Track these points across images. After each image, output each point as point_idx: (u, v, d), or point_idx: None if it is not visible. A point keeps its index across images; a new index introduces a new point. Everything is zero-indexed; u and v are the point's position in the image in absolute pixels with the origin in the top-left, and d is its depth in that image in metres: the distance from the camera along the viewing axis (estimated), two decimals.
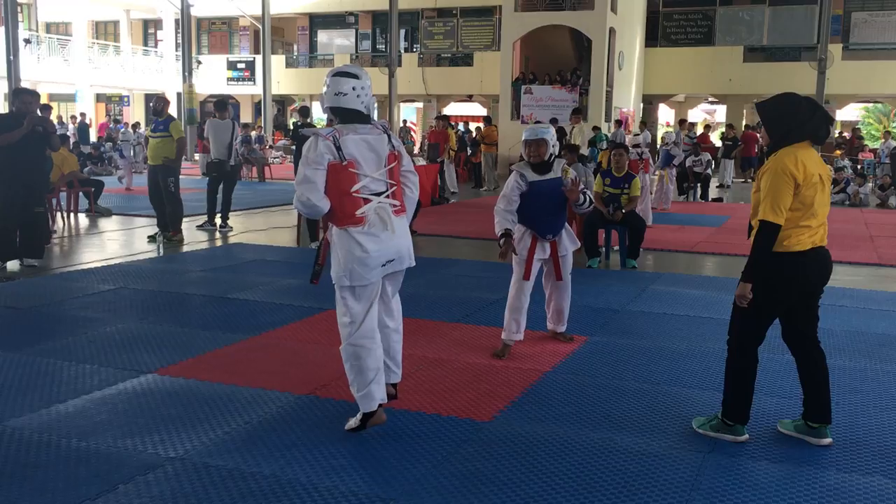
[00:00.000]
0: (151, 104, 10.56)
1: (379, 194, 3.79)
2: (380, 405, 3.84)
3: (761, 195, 3.65)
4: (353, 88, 3.77)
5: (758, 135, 14.28)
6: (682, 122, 23.80)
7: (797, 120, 3.65)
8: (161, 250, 9.43)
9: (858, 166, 21.85)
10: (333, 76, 3.82)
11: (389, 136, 3.87)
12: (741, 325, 3.83)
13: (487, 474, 3.50)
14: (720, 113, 29.28)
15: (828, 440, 3.88)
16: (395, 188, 3.87)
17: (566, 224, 5.55)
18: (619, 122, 23.11)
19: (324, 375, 4.82)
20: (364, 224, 3.73)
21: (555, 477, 3.49)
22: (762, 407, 4.36)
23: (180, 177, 10.48)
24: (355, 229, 3.72)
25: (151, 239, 10.17)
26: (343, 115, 3.81)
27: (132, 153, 18.62)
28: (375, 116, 4.00)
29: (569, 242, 5.55)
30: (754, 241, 3.67)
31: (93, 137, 26.98)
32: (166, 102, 10.40)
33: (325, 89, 3.83)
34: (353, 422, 3.89)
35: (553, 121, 20.62)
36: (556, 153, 5.37)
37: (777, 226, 3.59)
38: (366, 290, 3.82)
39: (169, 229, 10.20)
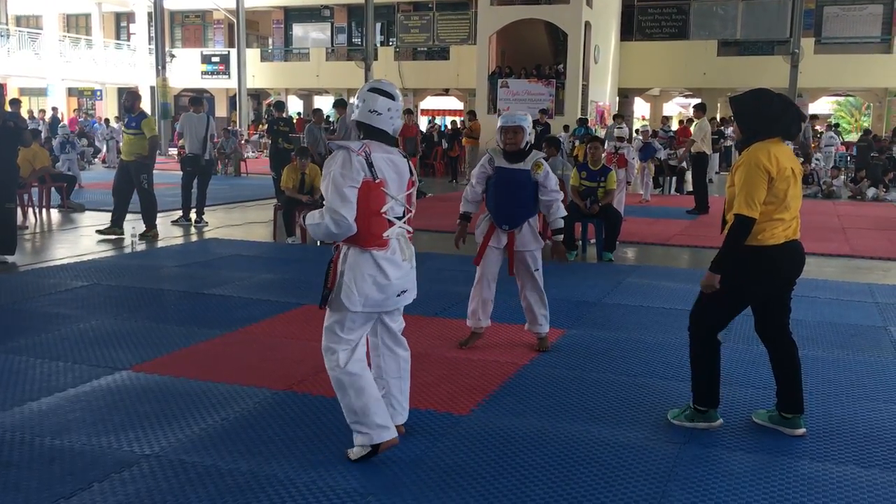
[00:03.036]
0: (122, 100, 10.33)
1: (399, 218, 3.59)
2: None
3: (736, 189, 3.67)
4: (389, 110, 3.55)
5: (691, 129, 14.40)
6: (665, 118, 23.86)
7: (770, 116, 3.71)
8: (134, 246, 9.33)
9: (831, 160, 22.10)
10: (371, 91, 3.58)
11: (408, 160, 3.70)
12: (709, 315, 3.87)
13: (465, 468, 3.51)
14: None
15: (802, 430, 3.92)
16: (410, 214, 3.68)
17: (531, 221, 5.24)
18: (620, 117, 23.12)
19: (301, 371, 4.80)
20: (388, 248, 3.51)
21: (532, 469, 3.50)
22: (737, 397, 4.41)
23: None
24: (379, 252, 3.48)
25: (142, 237, 9.88)
26: (371, 133, 3.58)
27: (105, 148, 18.42)
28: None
29: (530, 239, 5.21)
30: (728, 233, 3.70)
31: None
32: (137, 98, 10.23)
33: (357, 102, 3.59)
34: (357, 450, 3.55)
35: (542, 112, 20.69)
36: (533, 143, 5.25)
37: (752, 219, 3.63)
38: (370, 317, 3.58)
39: (119, 225, 9.98)
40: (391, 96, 3.59)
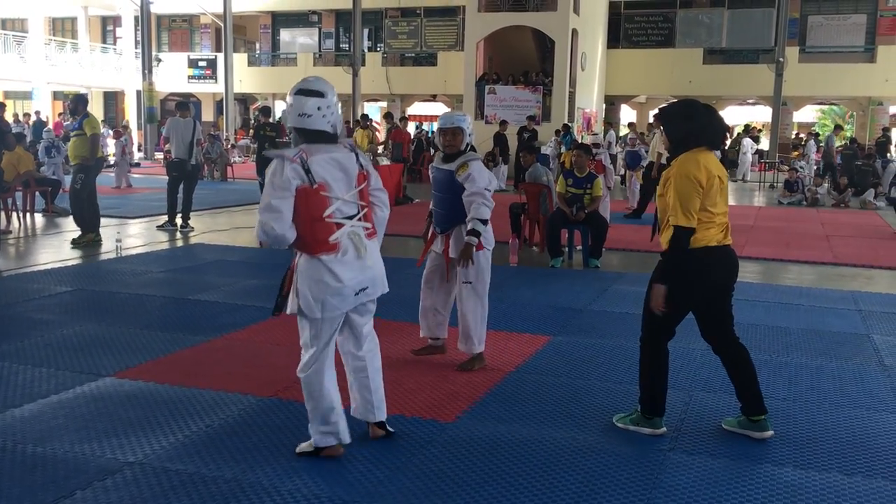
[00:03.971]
0: (68, 103, 10.00)
1: (351, 217, 3.52)
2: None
3: (669, 200, 3.74)
4: (319, 108, 3.47)
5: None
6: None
7: (695, 127, 3.80)
8: (119, 252, 9.28)
9: (815, 167, 22.25)
10: (296, 94, 3.50)
11: (357, 155, 3.63)
12: (652, 322, 3.92)
13: (451, 475, 3.50)
14: None
15: (769, 433, 3.97)
16: (366, 210, 3.61)
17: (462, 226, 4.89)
18: (609, 124, 23.20)
19: (286, 377, 4.78)
20: (338, 251, 3.45)
21: (517, 477, 3.50)
22: (720, 404, 4.42)
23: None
24: (328, 257, 3.44)
25: (75, 243, 9.70)
26: (308, 136, 3.51)
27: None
28: (340, 130, 3.74)
29: (458, 247, 4.89)
30: (670, 245, 3.77)
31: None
32: (80, 99, 9.90)
33: (287, 107, 3.55)
34: (304, 446, 3.69)
35: (530, 118, 20.73)
36: (472, 144, 5.02)
37: (691, 229, 3.71)
38: (334, 321, 3.58)
39: (91, 231, 9.81)
40: (320, 93, 3.51)
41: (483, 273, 4.96)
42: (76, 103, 9.84)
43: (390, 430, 3.89)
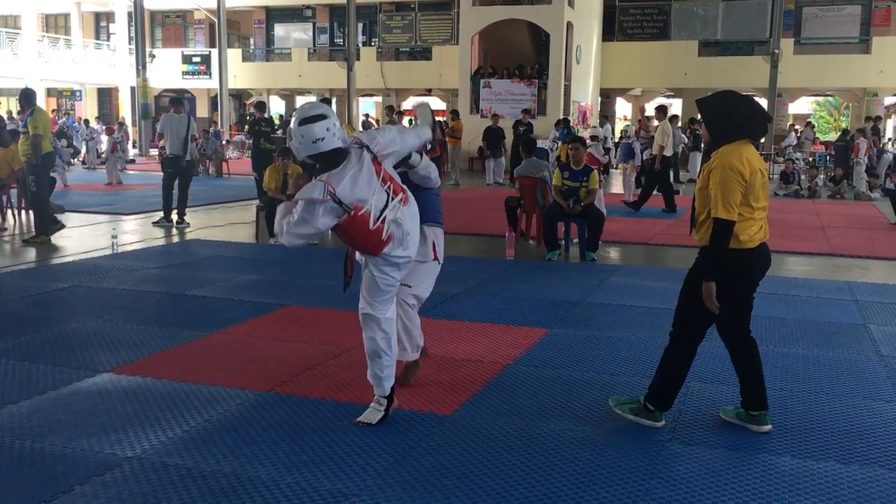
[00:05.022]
0: (18, 98, 9.47)
1: (386, 206, 3.75)
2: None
3: (711, 192, 3.69)
4: (328, 129, 3.60)
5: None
6: (673, 117, 23.87)
7: (738, 118, 3.74)
8: (115, 248, 9.26)
9: (810, 158, 22.29)
10: (301, 125, 3.60)
11: (367, 148, 3.75)
12: (688, 316, 3.87)
13: (450, 467, 3.51)
14: (676, 106, 29.66)
15: (768, 427, 3.97)
16: (390, 184, 3.81)
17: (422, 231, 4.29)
18: (605, 117, 23.11)
19: (284, 372, 4.78)
20: (392, 241, 3.79)
21: (516, 469, 3.51)
22: (718, 394, 4.43)
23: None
24: (388, 248, 3.80)
25: (28, 243, 9.56)
26: (326, 160, 3.67)
27: (84, 149, 18.28)
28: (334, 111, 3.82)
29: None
30: (712, 239, 3.70)
31: None
32: (27, 94, 9.58)
33: (295, 143, 3.65)
34: (367, 415, 3.99)
35: (525, 111, 20.68)
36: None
37: (731, 222, 3.65)
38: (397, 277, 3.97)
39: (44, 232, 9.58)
40: (323, 116, 3.63)
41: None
42: (23, 98, 9.49)
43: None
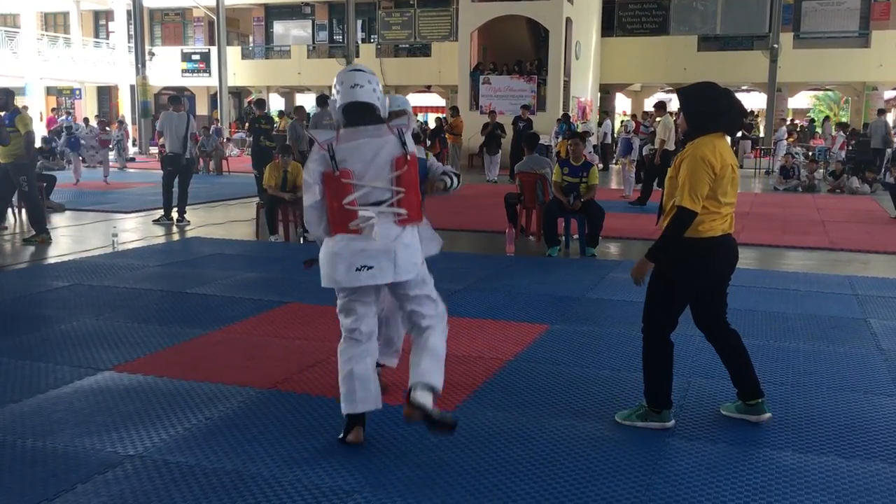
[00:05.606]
0: None
1: (380, 203, 3.47)
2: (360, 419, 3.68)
3: (679, 181, 3.69)
4: (369, 82, 3.53)
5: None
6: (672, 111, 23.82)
7: (716, 111, 3.74)
8: (116, 246, 9.26)
9: (810, 153, 22.26)
10: (346, 72, 3.59)
11: (403, 139, 3.51)
12: (658, 314, 3.87)
13: (450, 464, 3.51)
14: (675, 101, 29.66)
15: (767, 415, 3.98)
16: (401, 195, 3.49)
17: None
18: (606, 113, 23.04)
19: (285, 369, 4.79)
20: (348, 240, 3.45)
21: (517, 465, 3.51)
22: (717, 390, 4.43)
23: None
24: (340, 236, 3.48)
25: (28, 242, 9.49)
26: (354, 113, 3.51)
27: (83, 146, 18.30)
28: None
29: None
30: (668, 225, 3.72)
31: (43, 131, 26.40)
32: (9, 94, 9.52)
33: (336, 88, 3.56)
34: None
35: (524, 107, 20.66)
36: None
37: (694, 213, 3.65)
38: (353, 294, 3.58)
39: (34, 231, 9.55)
40: (371, 73, 3.62)
41: None
42: (5, 98, 9.37)
43: (430, 413, 3.43)
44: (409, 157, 3.51)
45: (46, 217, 9.76)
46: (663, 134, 13.46)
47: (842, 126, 20.67)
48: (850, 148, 20.32)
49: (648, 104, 34.43)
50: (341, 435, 3.70)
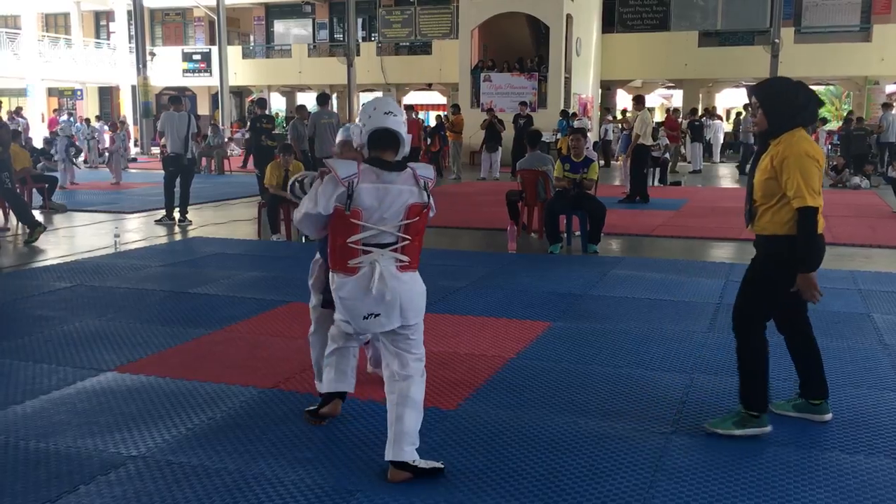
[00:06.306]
0: None
1: (383, 246, 3.35)
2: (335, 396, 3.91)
3: (784, 181, 3.59)
4: (402, 114, 3.48)
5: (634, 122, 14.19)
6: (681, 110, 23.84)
7: (798, 105, 3.67)
8: (118, 247, 9.26)
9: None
10: (381, 99, 3.54)
11: (425, 189, 3.41)
12: (756, 311, 3.79)
13: (453, 462, 3.51)
14: (677, 97, 29.61)
15: (829, 415, 3.96)
16: (406, 243, 3.39)
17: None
18: (606, 109, 22.96)
19: (287, 369, 4.79)
20: (355, 274, 3.33)
21: (520, 463, 3.50)
22: (720, 387, 4.43)
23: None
24: (341, 278, 3.37)
25: (29, 242, 9.50)
26: (381, 142, 3.37)
27: (86, 147, 18.31)
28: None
29: None
30: (803, 228, 3.62)
31: (44, 132, 26.42)
32: None
33: (369, 113, 3.40)
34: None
35: (523, 104, 20.63)
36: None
37: (817, 208, 3.60)
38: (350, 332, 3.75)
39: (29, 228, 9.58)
40: (401, 109, 3.56)
41: None
42: None
43: (417, 466, 3.37)
44: (425, 210, 3.43)
45: (31, 209, 9.71)
46: (640, 129, 13.45)
47: (822, 121, 20.63)
48: (837, 142, 20.31)
49: (650, 100, 34.42)
50: (314, 407, 3.92)
